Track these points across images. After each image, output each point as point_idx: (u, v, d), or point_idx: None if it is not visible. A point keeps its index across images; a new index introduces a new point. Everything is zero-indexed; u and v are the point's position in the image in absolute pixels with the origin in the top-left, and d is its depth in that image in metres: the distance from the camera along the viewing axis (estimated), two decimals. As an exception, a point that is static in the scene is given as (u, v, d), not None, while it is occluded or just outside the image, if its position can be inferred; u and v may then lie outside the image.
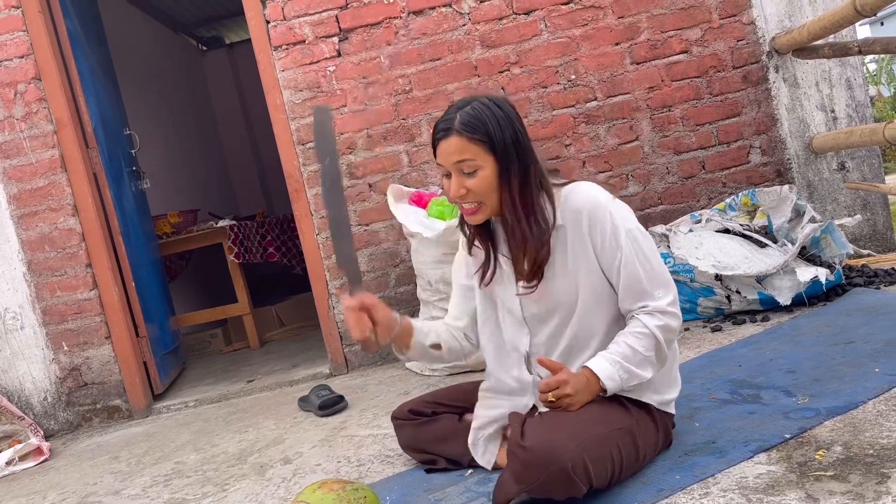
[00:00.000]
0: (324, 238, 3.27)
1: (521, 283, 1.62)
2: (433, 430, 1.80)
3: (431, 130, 1.60)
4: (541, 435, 1.40)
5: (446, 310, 2.80)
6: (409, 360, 1.77)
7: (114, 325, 3.29)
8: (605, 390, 1.52)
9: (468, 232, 1.70)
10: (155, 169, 4.71)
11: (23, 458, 2.88)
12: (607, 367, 1.51)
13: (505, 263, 1.66)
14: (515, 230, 1.57)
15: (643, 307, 1.54)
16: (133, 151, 3.90)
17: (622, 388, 1.52)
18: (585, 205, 1.56)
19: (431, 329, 1.77)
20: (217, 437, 2.67)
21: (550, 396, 1.49)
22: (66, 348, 3.30)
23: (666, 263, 2.79)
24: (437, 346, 1.76)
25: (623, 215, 1.57)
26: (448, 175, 1.57)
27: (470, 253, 1.74)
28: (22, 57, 3.23)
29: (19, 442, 2.96)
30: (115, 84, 3.96)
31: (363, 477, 1.93)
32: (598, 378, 1.51)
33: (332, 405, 2.65)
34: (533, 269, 1.58)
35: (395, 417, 1.90)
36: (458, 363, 2.77)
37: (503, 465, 1.60)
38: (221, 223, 4.49)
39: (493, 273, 1.67)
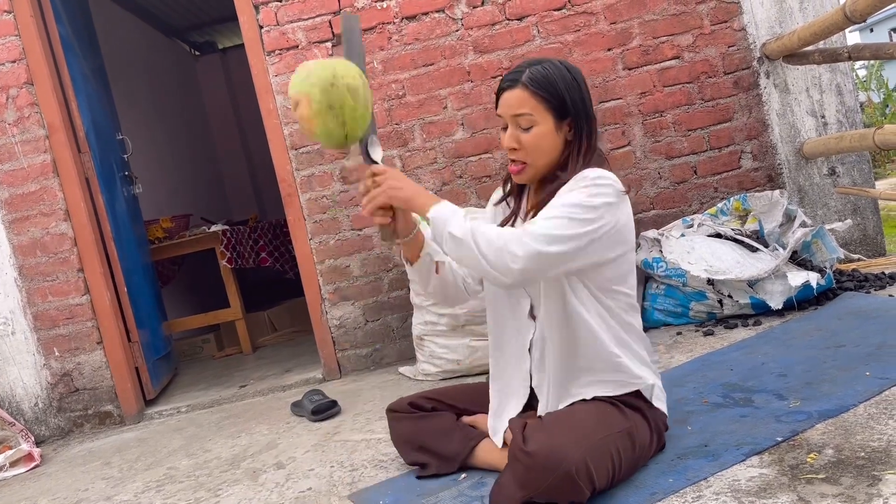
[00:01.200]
0: (316, 243, 3.27)
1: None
2: (432, 424, 1.79)
3: (499, 81, 1.61)
4: (543, 440, 1.40)
5: (440, 314, 2.84)
6: (412, 273, 1.71)
7: (105, 331, 3.27)
8: (425, 205, 1.51)
9: (508, 187, 1.71)
10: (147, 174, 4.70)
11: (13, 464, 2.86)
12: (451, 209, 1.50)
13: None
14: (548, 188, 1.56)
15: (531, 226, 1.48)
16: (125, 156, 3.89)
17: (437, 229, 1.50)
18: (585, 175, 1.53)
19: (438, 251, 1.71)
20: (209, 443, 2.66)
21: (384, 171, 1.51)
22: (57, 354, 3.28)
23: (658, 268, 2.81)
24: (440, 266, 1.69)
25: (607, 193, 1.50)
26: (506, 128, 1.59)
27: (497, 204, 1.74)
28: (14, 61, 3.22)
29: (10, 448, 2.94)
30: (108, 89, 3.95)
31: (357, 482, 1.92)
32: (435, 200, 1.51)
33: (325, 410, 2.64)
34: (535, 211, 1.58)
35: (394, 410, 1.89)
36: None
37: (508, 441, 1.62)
38: (214, 228, 4.48)
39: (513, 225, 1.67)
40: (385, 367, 3.27)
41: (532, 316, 1.67)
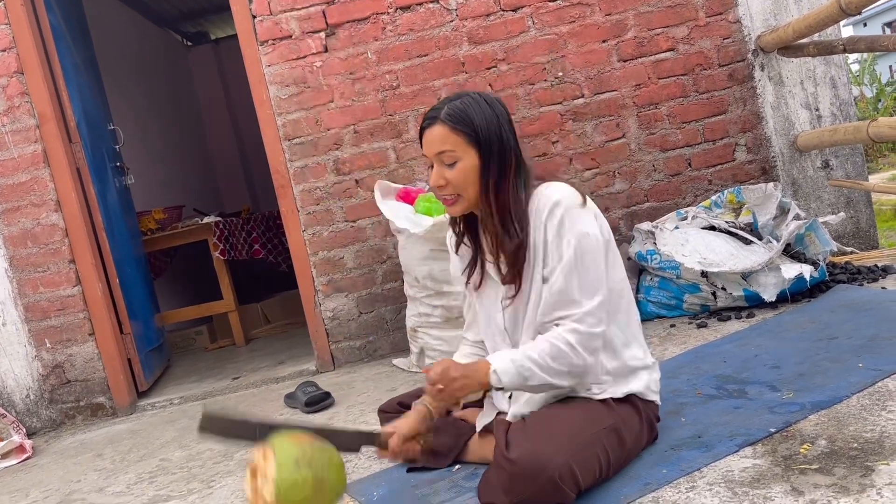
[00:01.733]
0: (310, 234, 3.25)
1: (504, 291, 1.62)
2: None
3: (420, 121, 1.60)
4: (526, 446, 1.40)
5: (433, 306, 2.83)
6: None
7: (97, 322, 3.26)
8: (490, 383, 1.49)
9: (458, 230, 1.70)
10: (139, 165, 4.67)
11: (5, 455, 2.85)
12: (506, 361, 1.49)
13: (492, 271, 1.65)
14: (490, 228, 1.57)
15: (568, 316, 1.50)
16: (117, 147, 3.86)
17: (516, 386, 1.50)
18: (545, 206, 1.54)
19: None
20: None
21: (439, 385, 1.50)
22: (48, 345, 3.27)
23: (652, 260, 2.81)
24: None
25: (579, 218, 1.52)
26: (433, 165, 1.58)
27: (457, 252, 1.74)
28: (4, 51, 3.19)
29: (1, 440, 2.93)
30: (99, 79, 3.92)
31: (351, 473, 1.92)
32: (489, 367, 1.49)
33: (318, 402, 2.64)
34: (510, 271, 1.58)
35: (384, 411, 1.90)
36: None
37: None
38: (207, 219, 4.46)
39: (481, 277, 1.67)
40: (379, 358, 3.27)
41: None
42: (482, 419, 1.73)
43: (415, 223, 2.80)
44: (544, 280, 1.55)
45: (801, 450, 1.49)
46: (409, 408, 1.83)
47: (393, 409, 1.87)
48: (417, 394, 1.87)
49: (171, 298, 4.94)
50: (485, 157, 1.54)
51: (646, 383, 1.63)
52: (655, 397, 1.67)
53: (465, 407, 1.74)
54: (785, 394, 1.80)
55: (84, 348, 3.27)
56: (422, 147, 1.60)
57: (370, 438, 1.57)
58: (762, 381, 1.92)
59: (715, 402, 1.85)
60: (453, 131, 1.54)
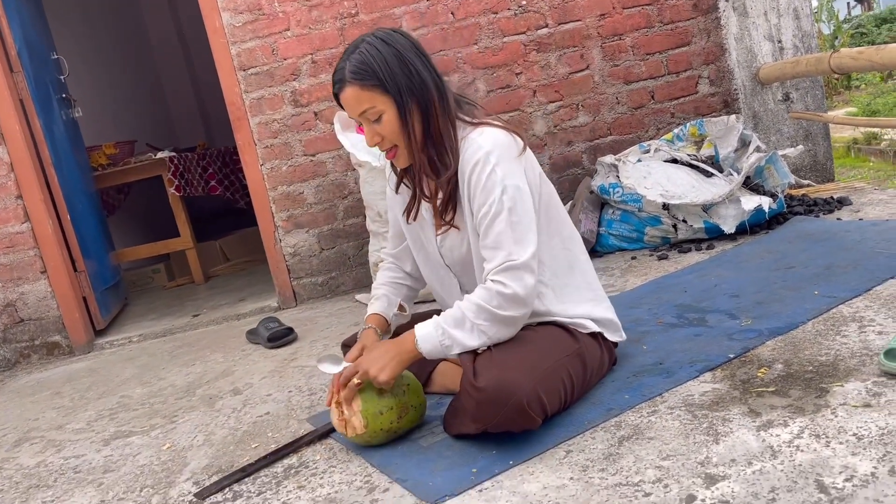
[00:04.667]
0: (268, 169, 3.17)
1: (440, 223, 1.61)
2: None
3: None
4: (493, 374, 1.40)
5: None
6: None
7: (49, 260, 3.16)
8: (419, 351, 1.50)
9: (397, 170, 1.68)
10: (87, 97, 4.47)
11: (-42, 396, 2.78)
12: (430, 329, 1.49)
13: (425, 210, 1.65)
14: (421, 166, 1.54)
15: (498, 266, 1.46)
16: (62, 77, 3.68)
17: (442, 352, 1.49)
18: (475, 154, 1.49)
19: (387, 302, 1.77)
20: (163, 371, 2.63)
21: (356, 380, 1.51)
22: (-2, 284, 3.17)
23: (615, 194, 2.82)
24: (401, 309, 1.79)
25: (510, 170, 1.48)
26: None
27: (396, 191, 1.72)
28: (-67, -29, 2.98)
29: (-47, 380, 2.86)
30: (40, 6, 3.71)
31: (315, 405, 1.92)
32: (414, 337, 1.50)
33: (281, 337, 2.62)
34: (443, 204, 1.56)
35: (347, 345, 1.89)
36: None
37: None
38: (160, 155, 4.32)
39: (417, 211, 1.66)
40: (342, 294, 3.25)
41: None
42: None
43: (376, 156, 2.75)
44: (477, 232, 1.53)
45: (759, 374, 1.53)
46: None
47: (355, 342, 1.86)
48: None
49: (127, 236, 4.81)
50: (399, 100, 1.48)
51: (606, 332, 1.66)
52: (615, 338, 1.69)
53: None
54: (743, 321, 1.83)
55: (36, 286, 3.18)
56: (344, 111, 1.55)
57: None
58: (722, 309, 1.96)
59: (676, 331, 1.88)
60: (363, 88, 1.47)
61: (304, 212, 3.21)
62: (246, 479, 1.56)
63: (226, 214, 5.64)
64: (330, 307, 3.07)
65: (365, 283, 3.22)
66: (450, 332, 1.47)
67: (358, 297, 3.07)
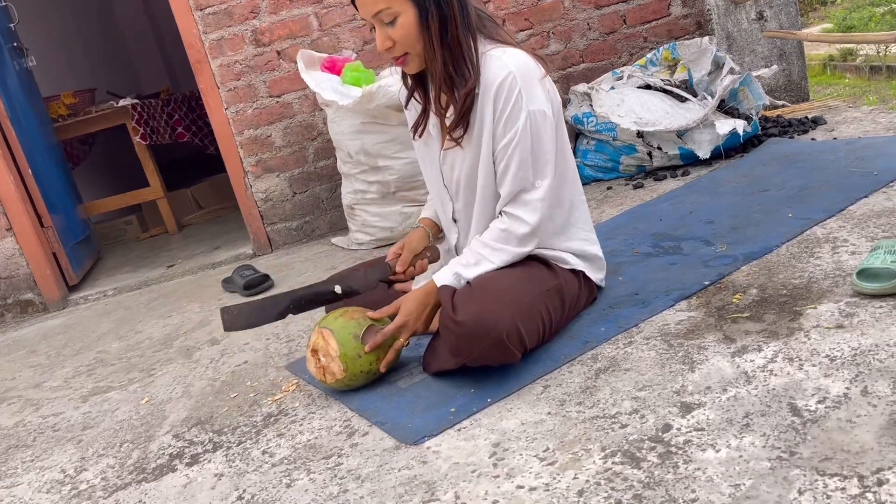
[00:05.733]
0: (233, 112, 3.08)
1: (445, 139, 1.56)
2: (364, 296, 1.77)
3: None
4: (472, 308, 1.39)
5: (369, 182, 2.76)
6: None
7: (14, 217, 3.08)
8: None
9: (408, 84, 1.63)
10: (40, 45, 4.29)
11: (-68, 359, 2.74)
12: (448, 275, 1.50)
13: (432, 126, 1.60)
14: (438, 76, 1.48)
15: (515, 196, 1.49)
16: (12, 25, 3.51)
17: (461, 284, 1.50)
18: (498, 76, 1.45)
19: (434, 213, 1.80)
20: (140, 324, 2.60)
21: (403, 342, 1.54)
22: (-36, 244, 3.09)
23: (589, 123, 2.77)
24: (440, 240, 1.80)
25: (534, 94, 1.46)
26: (374, 28, 1.47)
27: (406, 106, 1.68)
28: None
29: (-74, 344, 2.81)
30: (-20, -53, 3.51)
31: (293, 352, 1.91)
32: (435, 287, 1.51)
33: (257, 284, 2.59)
34: (457, 117, 1.50)
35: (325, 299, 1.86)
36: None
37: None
38: (122, 102, 4.18)
39: (425, 127, 1.62)
40: (317, 238, 3.21)
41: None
42: (419, 282, 1.72)
43: (343, 94, 2.67)
44: (494, 157, 1.50)
45: (734, 300, 1.53)
46: None
47: None
48: (357, 268, 1.84)
49: (95, 189, 4.70)
50: (422, 6, 1.42)
51: (590, 269, 1.65)
52: (597, 277, 1.69)
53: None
54: (718, 247, 1.83)
55: (3, 245, 3.11)
56: (357, 10, 1.48)
57: (382, 269, 1.68)
58: (697, 236, 1.95)
59: (651, 260, 1.87)
60: None
61: (274, 155, 3.14)
62: (225, 430, 1.55)
63: (199, 161, 5.52)
64: (306, 252, 3.03)
65: (340, 227, 3.18)
66: (462, 271, 1.50)
67: (334, 240, 3.03)
